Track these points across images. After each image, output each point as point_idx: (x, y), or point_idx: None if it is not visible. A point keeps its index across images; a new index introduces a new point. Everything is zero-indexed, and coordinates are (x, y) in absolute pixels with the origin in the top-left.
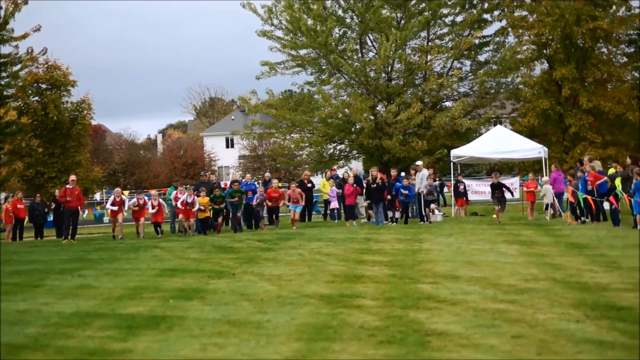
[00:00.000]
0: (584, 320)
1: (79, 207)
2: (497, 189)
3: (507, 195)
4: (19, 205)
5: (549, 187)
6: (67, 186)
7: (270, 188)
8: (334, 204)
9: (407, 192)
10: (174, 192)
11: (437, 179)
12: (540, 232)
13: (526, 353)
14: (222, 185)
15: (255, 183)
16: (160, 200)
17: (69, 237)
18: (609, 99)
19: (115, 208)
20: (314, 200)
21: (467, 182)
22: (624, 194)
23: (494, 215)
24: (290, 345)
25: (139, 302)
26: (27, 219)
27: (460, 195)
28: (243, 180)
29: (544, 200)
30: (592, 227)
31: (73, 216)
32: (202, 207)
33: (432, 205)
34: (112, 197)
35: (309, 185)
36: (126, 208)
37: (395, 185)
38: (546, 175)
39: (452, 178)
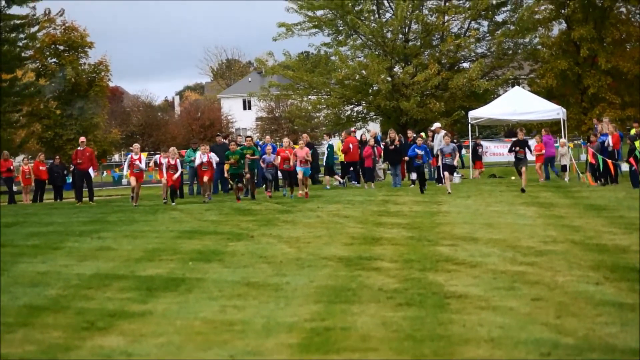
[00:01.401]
0: (603, 283)
1: (92, 168)
2: (523, 148)
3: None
4: (40, 167)
5: (565, 150)
6: (78, 148)
7: (281, 148)
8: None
9: (421, 152)
10: (196, 154)
11: (455, 140)
12: (558, 194)
13: (545, 315)
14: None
15: (267, 144)
16: (178, 160)
17: (83, 198)
18: (627, 59)
19: (135, 170)
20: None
21: (485, 143)
22: None
23: (513, 177)
24: (309, 307)
25: (158, 264)
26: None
27: (479, 158)
28: (260, 142)
29: (561, 161)
30: (611, 189)
31: (85, 177)
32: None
33: (446, 174)
34: (128, 157)
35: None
36: (145, 168)
37: (411, 147)
38: (563, 137)
39: (469, 139)
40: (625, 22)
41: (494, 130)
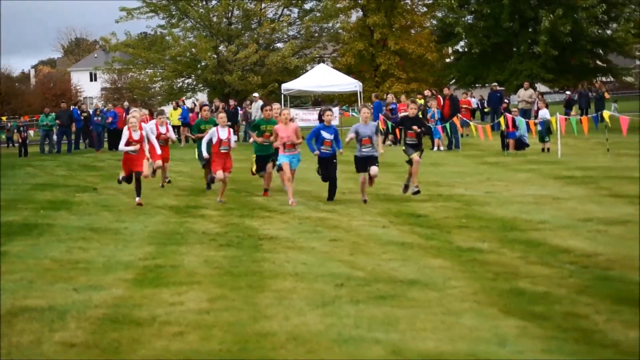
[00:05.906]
0: (389, 226)
1: None
2: (418, 125)
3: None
4: None
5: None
6: None
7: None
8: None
9: (330, 136)
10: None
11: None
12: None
13: (341, 253)
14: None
15: (115, 111)
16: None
17: None
18: (412, 42)
19: (133, 148)
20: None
21: (295, 111)
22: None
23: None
24: (143, 248)
25: (14, 212)
26: None
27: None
28: (105, 109)
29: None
30: (399, 149)
31: None
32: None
33: (373, 169)
34: (126, 133)
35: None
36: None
37: (315, 127)
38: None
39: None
40: (410, 11)
41: (302, 100)
